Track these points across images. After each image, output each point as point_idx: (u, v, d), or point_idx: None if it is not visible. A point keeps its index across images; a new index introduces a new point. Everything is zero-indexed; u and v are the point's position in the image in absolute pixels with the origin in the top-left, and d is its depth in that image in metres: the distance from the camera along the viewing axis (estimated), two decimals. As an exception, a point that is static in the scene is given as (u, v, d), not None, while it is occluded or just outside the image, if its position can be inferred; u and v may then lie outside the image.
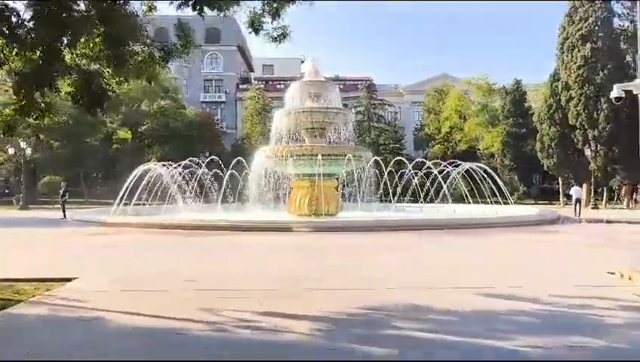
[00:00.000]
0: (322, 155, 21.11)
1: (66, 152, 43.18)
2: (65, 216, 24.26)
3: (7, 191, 49.39)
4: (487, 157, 52.50)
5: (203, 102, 66.81)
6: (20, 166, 36.16)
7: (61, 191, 26.30)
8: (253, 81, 70.26)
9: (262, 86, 63.25)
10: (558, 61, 39.84)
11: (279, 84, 62.82)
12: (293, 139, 25.02)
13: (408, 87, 68.51)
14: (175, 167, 23.58)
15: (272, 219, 17.39)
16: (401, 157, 26.09)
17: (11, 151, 35.98)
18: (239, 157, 24.37)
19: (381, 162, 22.58)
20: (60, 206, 25.91)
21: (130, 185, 22.66)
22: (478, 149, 55.04)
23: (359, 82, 64.51)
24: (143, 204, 24.24)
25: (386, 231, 16.51)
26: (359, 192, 24.55)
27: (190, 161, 24.08)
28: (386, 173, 20.95)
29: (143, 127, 49.03)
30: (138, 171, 22.99)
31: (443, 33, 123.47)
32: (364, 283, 7.93)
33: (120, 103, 49.05)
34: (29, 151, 34.57)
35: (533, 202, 44.30)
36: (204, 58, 69.94)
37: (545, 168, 42.25)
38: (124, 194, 22.78)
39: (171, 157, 26.01)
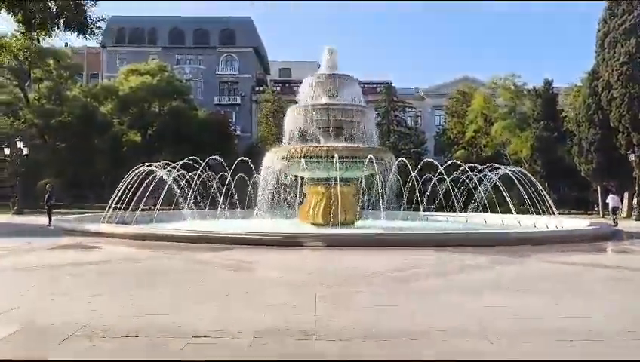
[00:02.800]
0: (340, 157, 18.41)
1: (72, 154, 41.17)
2: (50, 222, 21.98)
3: (14, 193, 47.58)
4: (514, 163, 49.36)
5: (217, 104, 64.60)
6: (18, 168, 33.97)
7: (46, 195, 23.79)
8: (269, 83, 67.92)
9: (278, 89, 60.83)
10: (597, 58, 36.54)
11: (296, 86, 60.28)
12: (307, 138, 22.39)
13: (429, 90, 65.83)
14: (173, 167, 20.94)
15: (278, 231, 14.54)
16: (431, 160, 23.11)
17: (6, 150, 33.62)
18: (243, 158, 21.68)
19: (408, 165, 19.72)
20: (45, 211, 23.51)
21: (124, 189, 20.28)
22: (505, 155, 51.96)
23: (378, 85, 61.60)
24: (143, 209, 21.82)
25: (420, 247, 13.34)
26: (380, 199, 21.89)
27: (190, 161, 21.46)
28: (413, 177, 18.12)
29: (153, 129, 46.88)
30: (132, 173, 20.53)
31: (463, 34, 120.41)
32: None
33: (129, 103, 47.20)
34: (25, 150, 32.30)
35: (566, 212, 40.96)
36: (220, 60, 67.93)
37: (582, 174, 38.84)
38: (118, 199, 20.44)
39: (180, 160, 23.43)
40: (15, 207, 32.83)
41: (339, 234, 14.17)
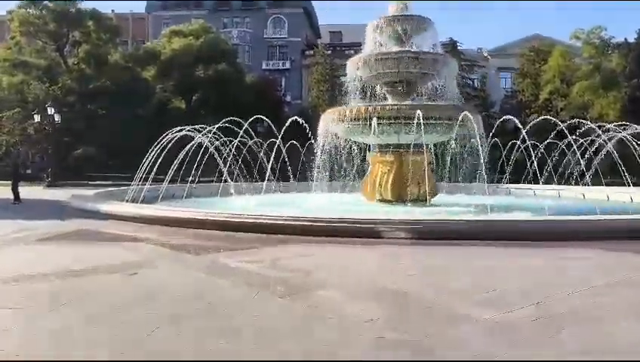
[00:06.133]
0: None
1: (112, 122, 38.48)
2: (18, 198, 18.94)
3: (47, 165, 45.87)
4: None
5: (265, 69, 60.88)
6: (50, 137, 31.27)
7: (12, 163, 20.47)
8: (319, 47, 63.61)
9: (329, 52, 56.47)
10: None
11: (348, 49, 55.65)
12: (371, 96, 18.41)
13: (493, 50, 60.09)
14: (209, 131, 17.38)
15: (345, 217, 10.00)
16: (547, 117, 18.43)
17: (37, 117, 30.56)
18: (294, 117, 17.81)
19: (519, 124, 15.21)
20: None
21: (155, 158, 17.08)
22: (586, 119, 46.05)
23: (440, 45, 55.74)
24: (181, 181, 18.70)
25: (575, 241, 9.15)
26: (461, 170, 17.86)
27: (229, 123, 17.85)
28: (520, 143, 13.79)
29: (197, 95, 43.73)
30: (163, 139, 17.24)
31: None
32: None
33: (172, 67, 44.08)
34: (57, 117, 29.46)
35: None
36: (268, 22, 64.00)
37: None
38: (149, 170, 17.31)
39: (224, 127, 19.90)
40: (48, 179, 30.31)
41: (435, 223, 9.90)
